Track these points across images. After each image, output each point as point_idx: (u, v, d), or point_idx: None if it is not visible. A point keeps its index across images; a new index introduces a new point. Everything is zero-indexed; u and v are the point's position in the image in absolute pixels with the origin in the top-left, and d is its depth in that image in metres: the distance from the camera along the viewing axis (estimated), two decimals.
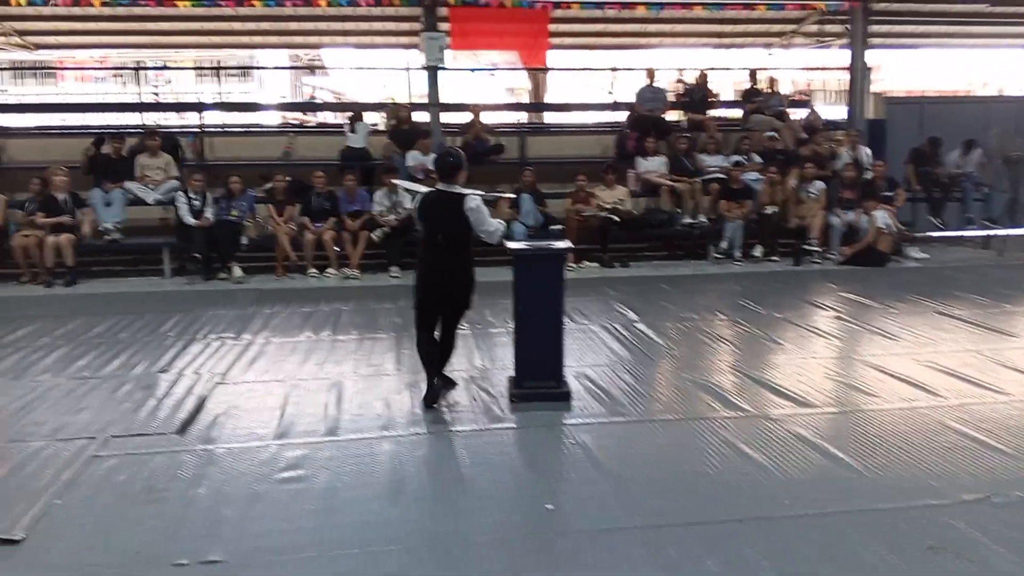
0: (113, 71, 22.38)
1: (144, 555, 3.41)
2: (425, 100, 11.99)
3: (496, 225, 5.08)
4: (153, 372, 6.07)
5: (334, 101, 17.44)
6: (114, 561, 3.38)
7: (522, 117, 14.30)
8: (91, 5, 10.90)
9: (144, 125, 12.00)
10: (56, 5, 10.86)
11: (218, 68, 14.13)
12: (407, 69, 13.93)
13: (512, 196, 5.90)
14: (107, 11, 12.32)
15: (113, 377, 5.94)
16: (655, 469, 4.32)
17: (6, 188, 10.12)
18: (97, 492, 4.02)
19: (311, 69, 22.75)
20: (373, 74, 17.28)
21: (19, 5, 10.95)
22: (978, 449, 4.51)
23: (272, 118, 14.64)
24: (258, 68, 15.10)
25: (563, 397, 5.25)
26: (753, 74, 12.87)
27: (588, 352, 6.56)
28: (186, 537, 3.57)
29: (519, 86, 24.64)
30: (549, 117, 14.50)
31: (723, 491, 4.02)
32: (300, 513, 3.80)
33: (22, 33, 13.47)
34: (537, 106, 14.58)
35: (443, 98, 11.98)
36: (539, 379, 5.27)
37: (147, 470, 4.26)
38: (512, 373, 5.51)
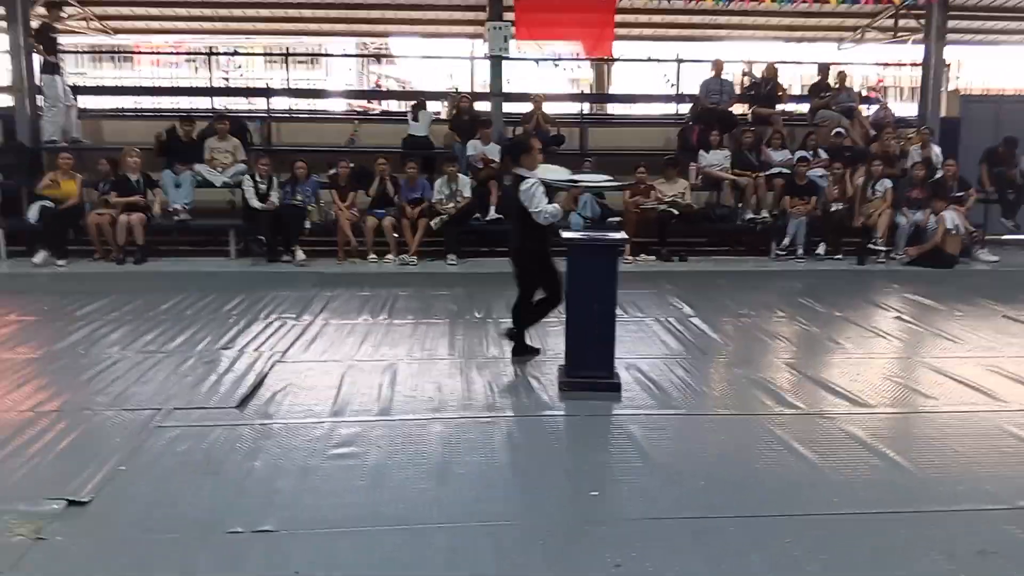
0: (186, 56, 23.03)
1: (202, 522, 3.54)
2: (485, 90, 12.05)
3: (545, 208, 5.41)
4: (216, 349, 6.27)
5: (398, 89, 17.60)
6: (174, 526, 3.52)
7: (584, 108, 14.26)
8: None
9: (214, 109, 12.31)
10: None
11: (287, 55, 14.38)
12: (471, 58, 13.99)
13: (584, 184, 5.98)
14: None
15: (177, 352, 6.15)
16: (703, 462, 4.31)
17: (84, 168, 10.49)
18: (159, 460, 4.19)
19: (377, 58, 22.99)
20: (438, 63, 17.39)
21: None
22: None
23: (338, 105, 14.87)
24: (325, 56, 15.31)
25: (613, 387, 5.26)
26: (824, 69, 12.59)
27: (641, 344, 6.55)
28: (241, 507, 3.70)
29: (582, 77, 24.60)
30: (612, 108, 14.42)
31: (772, 487, 3.99)
32: (351, 488, 3.90)
33: (101, 18, 13.93)
34: (599, 97, 14.52)
35: (506, 88, 12.03)
36: (590, 368, 5.29)
37: (207, 442, 4.42)
38: (562, 362, 5.55)
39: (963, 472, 4.17)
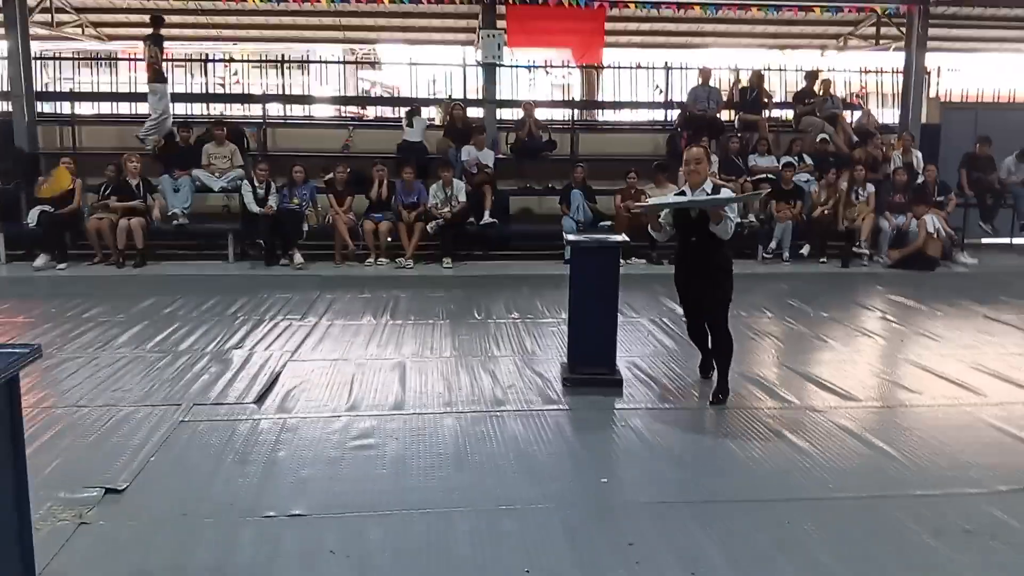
0: (176, 62, 23.10)
1: (236, 507, 3.74)
2: (476, 96, 12.26)
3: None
4: (227, 348, 6.45)
5: (391, 96, 17.75)
6: (209, 511, 3.71)
7: (570, 114, 14.48)
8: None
9: (209, 115, 12.46)
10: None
11: (281, 61, 14.52)
12: (463, 66, 14.22)
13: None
14: (177, 4, 12.85)
15: (190, 352, 6.33)
16: (705, 452, 4.56)
17: (80, 172, 10.61)
18: (187, 452, 4.38)
19: (370, 64, 23.13)
20: (428, 69, 17.63)
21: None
22: (1017, 445, 4.67)
23: (327, 111, 15.03)
24: (317, 62, 15.46)
25: (615, 383, 5.50)
26: (812, 76, 12.92)
27: (637, 343, 6.79)
28: (271, 493, 3.90)
29: (567, 83, 24.86)
30: (602, 115, 14.68)
31: (771, 474, 4.24)
32: (374, 476, 4.11)
33: (96, 25, 14.03)
34: (589, 104, 14.78)
35: (496, 95, 12.26)
36: (592, 365, 5.52)
37: (230, 435, 4.61)
38: (563, 360, 5.78)
39: (948, 460, 4.43)
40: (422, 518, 3.67)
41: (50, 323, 7.29)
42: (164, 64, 11.45)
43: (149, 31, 11.50)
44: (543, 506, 3.82)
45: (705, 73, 12.77)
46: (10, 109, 11.53)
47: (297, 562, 3.30)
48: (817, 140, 12.07)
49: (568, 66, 14.75)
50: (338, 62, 20.91)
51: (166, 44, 11.91)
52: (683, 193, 5.42)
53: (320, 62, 15.05)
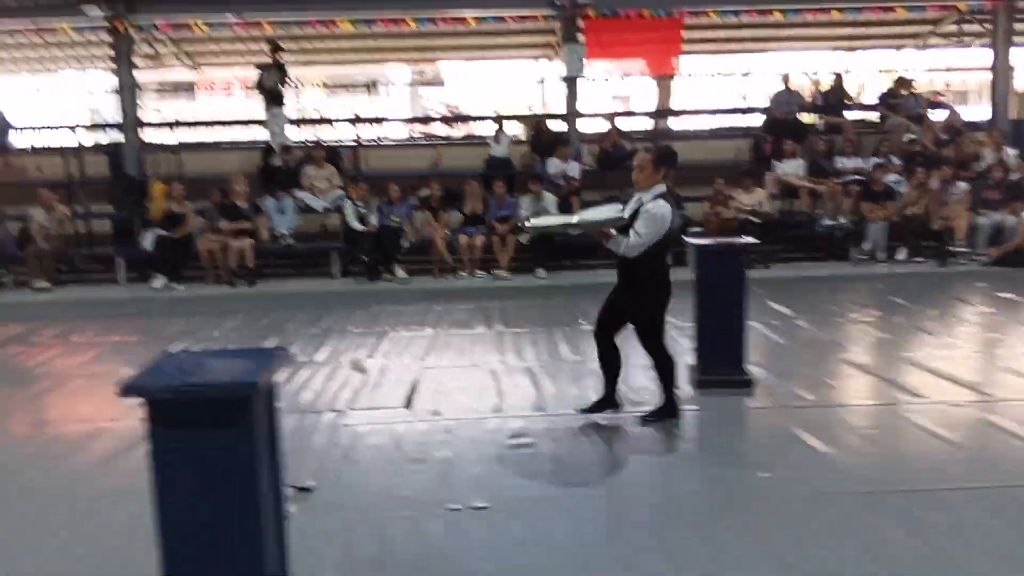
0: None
1: (420, 501, 3.99)
2: (549, 110, 12.47)
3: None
4: (360, 359, 6.75)
5: (474, 114, 18.06)
6: (395, 505, 3.98)
7: (645, 124, 14.64)
8: (265, 27, 11.87)
9: (307, 139, 12.93)
10: (233, 29, 11.87)
11: (370, 84, 15.02)
12: (541, 80, 14.50)
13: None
14: (263, 32, 13.31)
15: (327, 363, 6.64)
16: (852, 446, 4.68)
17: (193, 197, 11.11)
18: (358, 452, 4.66)
19: (435, 83, 23.59)
20: (502, 85, 18.01)
21: (200, 30, 12.03)
22: None
23: (400, 131, 15.38)
24: (390, 84, 15.96)
25: (746, 384, 5.63)
26: (900, 79, 12.87)
27: (755, 347, 6.88)
28: (449, 488, 4.15)
29: (627, 93, 25.02)
30: (681, 122, 14.81)
31: (927, 464, 4.36)
32: (539, 472, 4.34)
33: (189, 54, 14.69)
34: (669, 112, 14.93)
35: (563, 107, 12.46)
36: (722, 367, 5.66)
37: (394, 435, 4.90)
38: (688, 362, 5.95)
39: None
40: (598, 508, 3.87)
41: (188, 338, 7.68)
42: (283, 88, 11.84)
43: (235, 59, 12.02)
44: (715, 500, 4.00)
45: (786, 77, 12.81)
46: (112, 139, 12.15)
47: (492, 552, 3.52)
48: (905, 140, 12.01)
49: (647, 76, 14.90)
50: (429, 84, 21.58)
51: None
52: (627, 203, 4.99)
53: (390, 83, 15.39)
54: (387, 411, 5.35)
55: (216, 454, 2.39)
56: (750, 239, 5.96)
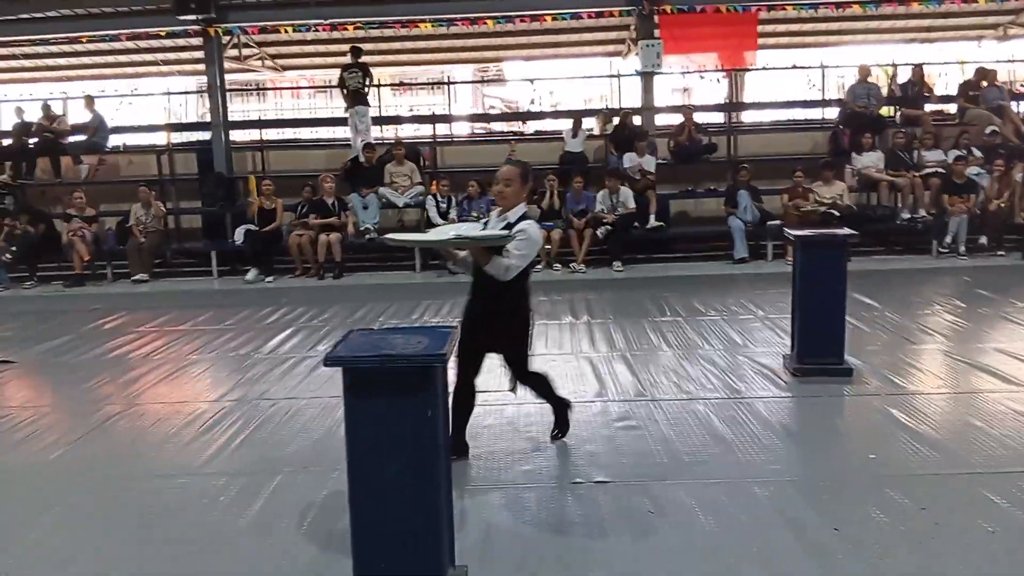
0: (317, 88, 24.59)
1: (545, 475, 4.24)
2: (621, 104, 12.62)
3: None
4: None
5: (549, 110, 18.26)
6: (520, 479, 4.24)
7: (720, 117, 14.66)
8: (347, 30, 12.26)
9: (395, 138, 13.28)
10: (318, 31, 12.30)
11: (448, 83, 15.36)
12: (617, 76, 14.66)
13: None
14: (342, 34, 13.71)
15: None
16: (954, 431, 4.78)
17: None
18: (476, 431, 4.88)
19: (531, 81, 23.90)
20: (571, 82, 18.23)
21: (285, 33, 12.49)
22: None
23: (463, 128, 15.65)
24: (455, 82, 16.30)
25: (845, 372, 5.73)
26: (980, 70, 12.71)
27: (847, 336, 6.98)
28: (568, 464, 4.41)
29: (690, 86, 24.96)
30: (755, 115, 14.82)
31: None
32: (650, 451, 4.55)
33: (273, 57, 15.21)
34: (744, 105, 14.96)
35: (626, 101, 12.60)
36: (821, 355, 5.77)
37: (506, 417, 5.17)
38: (784, 352, 6.07)
39: None
40: (713, 486, 4.06)
41: (292, 328, 8.05)
42: (366, 89, 12.20)
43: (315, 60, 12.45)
44: (825, 483, 4.16)
45: (864, 70, 12.74)
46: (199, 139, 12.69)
47: (624, 520, 3.75)
48: (987, 133, 11.87)
49: (722, 70, 14.93)
50: (474, 81, 21.94)
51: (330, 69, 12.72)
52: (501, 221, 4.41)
53: (498, 80, 15.65)
54: (496, 395, 5.58)
55: (406, 418, 2.65)
56: (850, 231, 6.03)
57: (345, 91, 12.21)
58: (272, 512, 3.95)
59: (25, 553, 3.68)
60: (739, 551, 3.45)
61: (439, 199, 11.02)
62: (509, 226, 4.24)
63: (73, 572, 3.50)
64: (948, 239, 10.85)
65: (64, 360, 7.25)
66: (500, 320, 4.36)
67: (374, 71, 12.64)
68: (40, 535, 3.85)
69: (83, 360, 7.19)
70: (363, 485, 2.72)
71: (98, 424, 5.39)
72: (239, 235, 11.23)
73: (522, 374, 4.55)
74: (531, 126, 15.07)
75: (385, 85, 15.67)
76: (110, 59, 15.24)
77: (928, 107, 13.03)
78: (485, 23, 12.43)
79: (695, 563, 3.38)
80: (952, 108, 13.12)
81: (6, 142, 13.18)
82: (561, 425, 4.78)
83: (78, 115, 13.47)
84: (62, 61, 15.43)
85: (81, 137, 13.03)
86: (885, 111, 13.00)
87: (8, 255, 10.97)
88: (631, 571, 3.33)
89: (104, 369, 6.83)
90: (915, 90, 12.71)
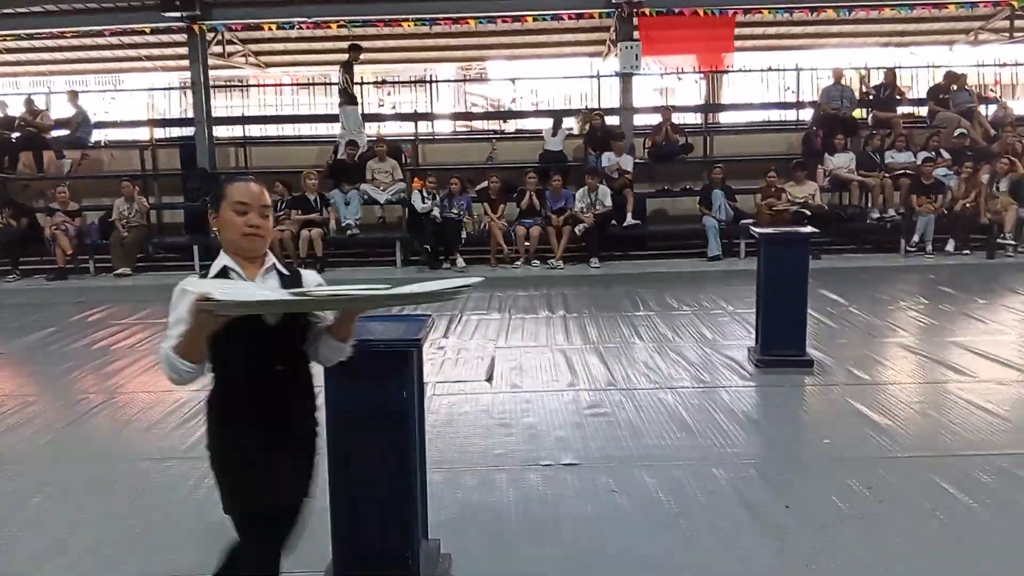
0: (300, 86, 24.68)
1: (516, 458, 4.45)
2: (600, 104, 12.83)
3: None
4: (437, 338, 7.22)
5: (530, 109, 18.45)
6: (492, 461, 4.44)
7: (693, 118, 14.91)
8: (330, 27, 12.42)
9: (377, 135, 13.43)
10: (302, 29, 12.45)
11: (430, 81, 15.50)
12: (596, 76, 14.88)
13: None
14: (328, 32, 13.86)
15: None
16: (907, 419, 5.02)
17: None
18: (451, 418, 5.12)
19: (513, 80, 24.09)
20: (550, 82, 18.44)
21: (269, 30, 12.62)
22: None
23: (450, 126, 15.84)
24: (437, 81, 16.47)
25: (807, 364, 5.99)
26: (950, 74, 13.03)
27: (810, 331, 7.19)
28: (538, 448, 4.61)
29: (669, 87, 25.25)
30: (732, 116, 15.09)
31: (977, 435, 4.69)
32: (617, 436, 4.77)
33: (257, 54, 15.32)
34: (722, 106, 15.23)
35: (606, 101, 12.83)
36: (783, 347, 6.02)
37: (481, 405, 5.37)
38: (749, 344, 6.32)
39: None
40: (677, 468, 4.28)
41: None
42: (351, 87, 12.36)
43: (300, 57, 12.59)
44: (773, 462, 4.40)
45: (837, 73, 13.05)
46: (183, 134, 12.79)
47: (589, 498, 3.96)
48: (955, 135, 12.19)
49: (700, 72, 15.19)
50: (456, 80, 22.13)
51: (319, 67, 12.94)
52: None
53: (482, 79, 15.84)
54: (471, 384, 5.82)
55: (384, 399, 2.85)
56: (812, 229, 6.28)
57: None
58: None
59: (20, 530, 3.85)
60: (695, 525, 3.67)
61: (424, 195, 11.19)
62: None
63: (68, 548, 3.67)
64: (916, 238, 11.15)
65: (49, 351, 7.38)
66: (310, 439, 2.61)
67: (360, 69, 12.80)
68: (35, 514, 4.02)
69: (68, 351, 7.32)
70: (342, 461, 2.92)
71: (85, 412, 5.56)
72: None
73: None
74: (512, 125, 15.23)
75: (368, 83, 15.83)
76: (94, 54, 15.28)
77: (900, 110, 13.35)
78: (468, 22, 12.61)
79: (653, 536, 3.60)
80: (923, 111, 13.44)
81: None
82: None
83: (61, 110, 13.55)
84: (46, 56, 15.47)
85: (64, 132, 13.11)
86: (857, 113, 13.31)
87: None
88: (595, 543, 3.55)
89: (89, 360, 6.97)
90: (887, 93, 13.03)
